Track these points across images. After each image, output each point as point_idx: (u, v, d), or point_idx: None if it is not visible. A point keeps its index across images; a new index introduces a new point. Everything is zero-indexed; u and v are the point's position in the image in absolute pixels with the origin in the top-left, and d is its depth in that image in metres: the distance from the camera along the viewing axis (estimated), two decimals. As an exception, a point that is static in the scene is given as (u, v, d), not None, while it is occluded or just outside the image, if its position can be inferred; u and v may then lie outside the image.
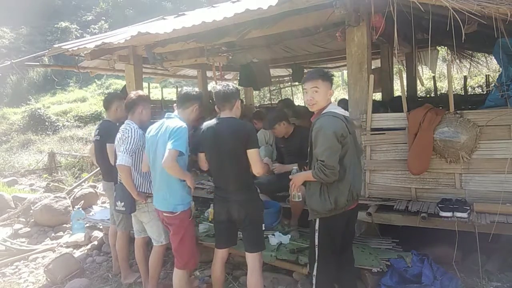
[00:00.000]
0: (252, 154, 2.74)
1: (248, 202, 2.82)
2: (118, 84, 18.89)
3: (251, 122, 4.92)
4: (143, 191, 3.19)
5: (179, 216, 2.93)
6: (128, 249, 3.86)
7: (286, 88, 11.52)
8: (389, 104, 4.84)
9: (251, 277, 2.83)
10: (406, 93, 3.87)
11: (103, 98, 4.25)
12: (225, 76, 8.40)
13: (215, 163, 2.87)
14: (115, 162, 3.38)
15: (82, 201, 6.33)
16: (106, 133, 3.65)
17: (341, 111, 2.58)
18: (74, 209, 5.88)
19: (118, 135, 3.22)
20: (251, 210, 2.83)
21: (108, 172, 3.72)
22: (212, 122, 2.86)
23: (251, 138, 2.76)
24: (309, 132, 2.58)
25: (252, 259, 2.85)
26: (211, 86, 12.79)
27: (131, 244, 3.78)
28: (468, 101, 5.92)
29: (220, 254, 2.97)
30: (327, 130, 2.41)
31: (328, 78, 2.55)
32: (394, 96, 5.81)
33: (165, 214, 2.95)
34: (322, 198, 2.50)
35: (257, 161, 2.76)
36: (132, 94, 3.35)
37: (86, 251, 4.81)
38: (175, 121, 2.91)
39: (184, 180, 2.91)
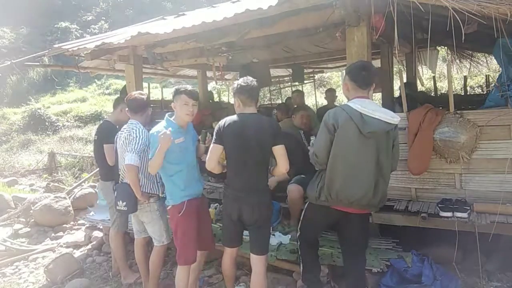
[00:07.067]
0: (280, 150, 2.68)
1: (261, 204, 2.76)
2: (118, 84, 18.88)
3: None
4: (146, 191, 3.20)
5: (170, 210, 2.98)
6: (124, 249, 3.86)
7: (286, 88, 11.51)
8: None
9: (257, 280, 2.77)
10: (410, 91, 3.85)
11: (103, 98, 4.21)
12: (225, 76, 8.38)
13: (235, 160, 2.73)
14: (116, 162, 3.39)
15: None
16: (104, 134, 3.69)
17: (359, 107, 2.47)
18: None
19: (124, 135, 3.19)
20: (263, 213, 2.77)
21: (107, 171, 3.72)
22: (235, 117, 2.72)
23: (279, 133, 2.71)
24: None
25: (258, 262, 2.79)
26: (211, 86, 12.84)
27: (131, 244, 3.78)
28: (468, 101, 5.91)
29: (229, 251, 2.93)
30: (323, 119, 2.57)
31: (346, 72, 2.68)
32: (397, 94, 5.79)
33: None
34: (313, 185, 2.66)
35: (284, 156, 2.69)
36: (142, 95, 3.35)
37: (86, 251, 4.81)
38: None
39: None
